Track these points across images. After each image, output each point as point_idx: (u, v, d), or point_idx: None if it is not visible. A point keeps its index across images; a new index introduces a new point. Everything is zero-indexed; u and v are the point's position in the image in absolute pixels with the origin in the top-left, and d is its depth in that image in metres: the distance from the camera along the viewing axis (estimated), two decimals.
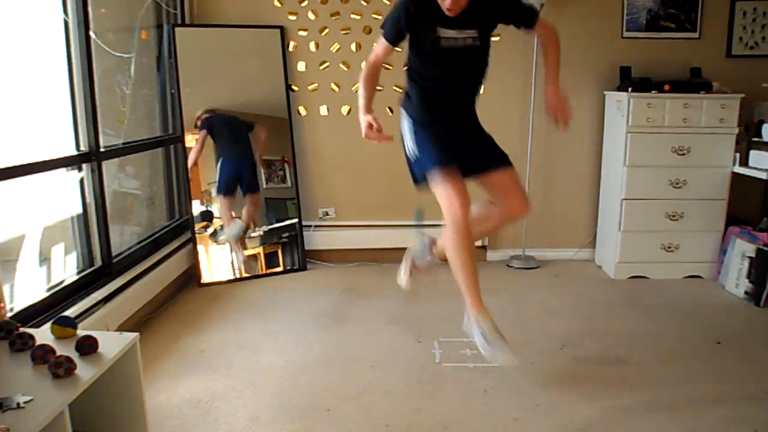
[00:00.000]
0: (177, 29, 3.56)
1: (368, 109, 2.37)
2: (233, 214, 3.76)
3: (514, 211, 2.48)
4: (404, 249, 4.04)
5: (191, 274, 3.63)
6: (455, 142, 2.40)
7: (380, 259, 4.03)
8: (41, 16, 2.58)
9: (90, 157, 2.70)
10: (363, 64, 2.46)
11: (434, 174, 2.29)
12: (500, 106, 3.87)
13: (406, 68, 2.48)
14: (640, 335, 2.88)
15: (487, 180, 2.45)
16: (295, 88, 3.90)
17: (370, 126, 2.31)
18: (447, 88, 2.41)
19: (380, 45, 2.41)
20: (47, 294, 2.38)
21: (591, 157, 3.93)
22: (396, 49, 2.43)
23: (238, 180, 3.79)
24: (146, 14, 3.44)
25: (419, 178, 2.41)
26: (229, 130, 3.77)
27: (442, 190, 2.27)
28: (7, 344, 1.68)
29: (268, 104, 3.83)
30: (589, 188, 4.00)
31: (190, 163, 3.64)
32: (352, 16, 3.82)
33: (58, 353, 1.57)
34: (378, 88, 3.82)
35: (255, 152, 3.82)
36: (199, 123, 3.65)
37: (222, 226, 3.74)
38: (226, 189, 3.74)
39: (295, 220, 3.93)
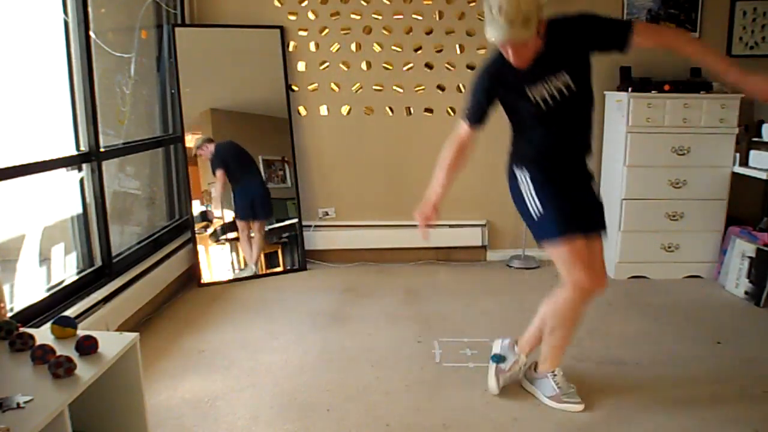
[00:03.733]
0: (177, 29, 3.56)
1: (439, 199, 2.20)
2: (250, 235, 3.81)
3: (593, 287, 2.12)
4: (404, 249, 4.07)
5: (191, 274, 3.63)
6: (579, 199, 2.18)
7: (380, 259, 4.03)
8: (41, 16, 2.58)
9: (90, 157, 2.70)
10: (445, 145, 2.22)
11: (558, 242, 2.09)
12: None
13: (514, 133, 2.24)
14: (641, 335, 2.88)
15: (587, 241, 2.15)
16: (295, 88, 3.90)
17: (427, 218, 2.19)
18: (560, 146, 2.15)
19: (461, 129, 2.17)
20: (47, 294, 2.38)
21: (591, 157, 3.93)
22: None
23: (254, 208, 3.83)
24: (146, 14, 3.44)
25: (536, 239, 2.23)
26: (238, 160, 3.79)
27: (567, 259, 2.08)
28: (7, 344, 1.68)
29: (268, 104, 3.83)
30: None
31: (215, 204, 3.69)
32: (352, 16, 3.82)
33: (58, 353, 1.57)
34: (378, 87, 3.89)
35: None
36: (205, 155, 3.68)
37: (222, 227, 3.74)
38: (243, 216, 3.79)
39: (295, 220, 3.93)
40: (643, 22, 2.06)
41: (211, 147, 3.71)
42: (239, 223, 3.78)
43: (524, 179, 2.18)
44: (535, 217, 2.18)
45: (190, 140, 3.64)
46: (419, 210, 2.23)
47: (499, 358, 2.37)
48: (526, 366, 2.37)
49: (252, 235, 3.80)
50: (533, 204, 2.17)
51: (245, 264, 3.76)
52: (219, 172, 3.70)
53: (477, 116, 2.14)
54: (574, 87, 2.03)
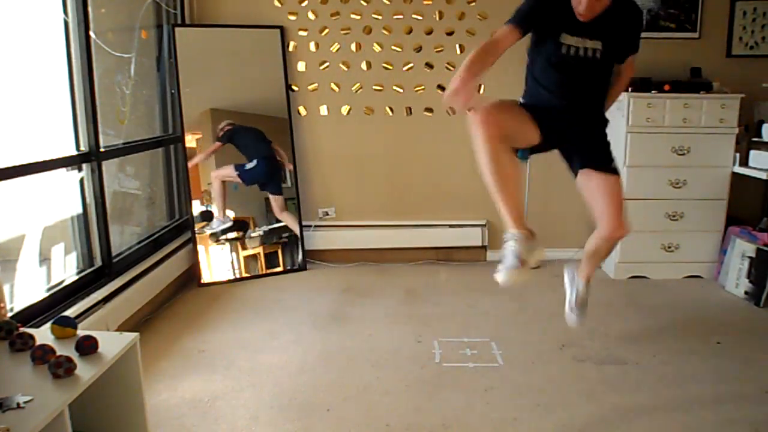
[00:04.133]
0: (177, 29, 3.56)
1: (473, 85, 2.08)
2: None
3: (610, 233, 2.32)
4: (404, 249, 4.07)
5: (191, 274, 3.63)
6: (558, 124, 2.29)
7: (380, 259, 4.03)
8: (41, 16, 2.58)
9: (90, 157, 2.70)
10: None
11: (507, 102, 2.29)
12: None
13: (527, 67, 2.38)
14: (641, 335, 2.88)
15: (588, 180, 2.33)
16: (295, 88, 3.90)
17: (461, 93, 1.98)
18: (565, 93, 2.28)
19: (503, 30, 2.14)
20: (47, 294, 2.38)
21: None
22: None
23: (266, 181, 3.85)
24: (146, 14, 3.44)
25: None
26: (253, 137, 3.81)
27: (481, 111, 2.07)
28: (7, 344, 1.68)
29: (268, 104, 3.83)
30: None
31: (191, 163, 3.66)
32: (352, 16, 3.82)
33: (58, 353, 1.57)
34: (378, 87, 3.89)
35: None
36: (220, 134, 3.72)
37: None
38: (250, 182, 3.82)
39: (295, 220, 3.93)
40: (632, 64, 2.42)
41: (229, 128, 3.76)
42: (219, 174, 3.76)
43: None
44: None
45: (190, 140, 3.64)
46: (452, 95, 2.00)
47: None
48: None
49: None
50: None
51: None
52: (217, 144, 3.73)
53: (525, 25, 2.14)
54: (599, 56, 2.19)
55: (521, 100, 2.43)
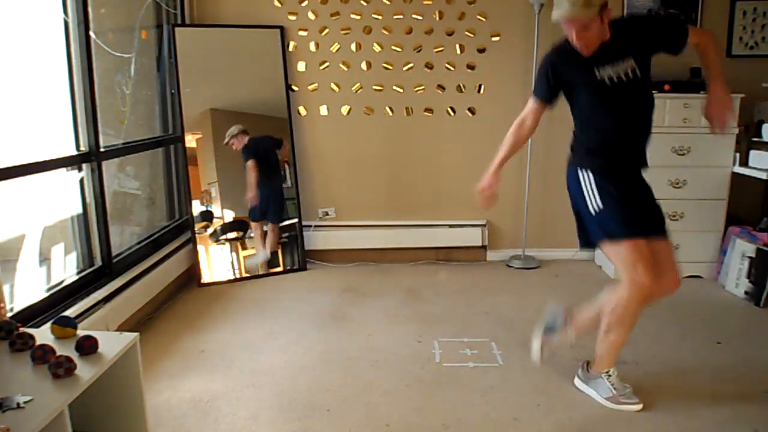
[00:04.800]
0: (177, 29, 3.56)
1: (498, 169, 2.28)
2: (262, 237, 3.86)
3: (667, 287, 2.17)
4: (404, 249, 4.07)
5: (191, 274, 3.63)
6: (642, 201, 2.19)
7: (380, 259, 4.03)
8: (41, 16, 2.58)
9: (90, 157, 2.70)
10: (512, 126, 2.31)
11: (621, 242, 2.11)
12: (500, 102, 3.87)
13: (573, 134, 2.29)
14: (640, 335, 2.88)
15: (651, 246, 2.15)
16: (295, 88, 3.90)
17: (490, 186, 2.27)
18: (623, 135, 2.17)
19: (529, 104, 2.26)
20: (47, 294, 2.38)
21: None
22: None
23: (266, 209, 3.85)
24: (146, 14, 3.44)
25: (593, 239, 2.22)
26: (264, 159, 3.84)
27: (628, 258, 2.10)
28: (7, 344, 1.68)
29: (268, 104, 3.83)
30: None
31: (250, 195, 3.77)
32: (352, 16, 3.82)
33: (58, 353, 1.57)
34: (378, 87, 3.89)
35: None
36: (236, 146, 3.75)
37: (222, 226, 3.74)
38: (255, 217, 3.82)
39: (295, 220, 3.93)
40: (695, 28, 2.19)
41: (245, 139, 3.75)
42: (252, 224, 3.82)
43: (586, 176, 2.19)
44: (593, 213, 2.18)
45: (190, 140, 3.65)
46: (482, 182, 2.29)
47: (550, 329, 2.41)
48: (580, 364, 2.41)
49: (265, 229, 3.85)
50: (593, 201, 2.17)
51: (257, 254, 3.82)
52: (251, 162, 3.76)
53: (544, 91, 2.21)
54: (639, 74, 2.09)
55: (582, 166, 2.21)
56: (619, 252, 2.13)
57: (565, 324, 2.38)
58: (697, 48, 2.16)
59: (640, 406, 2.20)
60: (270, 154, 3.85)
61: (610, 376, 2.27)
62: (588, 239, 2.26)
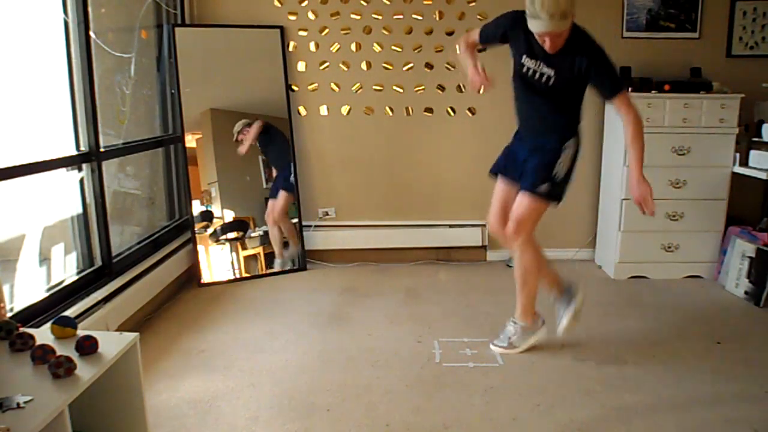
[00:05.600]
0: (177, 29, 3.56)
1: (475, 62, 2.53)
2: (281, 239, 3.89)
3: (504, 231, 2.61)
4: (404, 249, 4.07)
5: (191, 274, 3.63)
6: (518, 154, 2.60)
7: (380, 259, 4.03)
8: (41, 16, 2.58)
9: (90, 157, 2.70)
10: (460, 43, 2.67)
11: (495, 180, 2.67)
12: (500, 102, 3.87)
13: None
14: (641, 335, 2.88)
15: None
16: (295, 88, 3.90)
17: (481, 76, 2.47)
18: (525, 109, 2.57)
19: (474, 33, 2.61)
20: (47, 294, 2.38)
21: (591, 157, 3.93)
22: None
23: (278, 185, 3.91)
24: (146, 14, 3.44)
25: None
26: (279, 143, 3.87)
27: (493, 198, 2.67)
28: (7, 344, 1.68)
29: (268, 104, 3.83)
30: (589, 188, 4.00)
31: (242, 150, 3.77)
32: (352, 16, 3.82)
33: (58, 353, 1.57)
34: (378, 87, 3.89)
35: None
36: (246, 140, 3.78)
37: (222, 226, 3.74)
38: (273, 194, 3.89)
39: (295, 220, 3.93)
40: (627, 100, 2.38)
41: (254, 130, 3.78)
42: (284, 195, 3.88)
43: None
44: None
45: (190, 140, 3.65)
46: (471, 79, 2.52)
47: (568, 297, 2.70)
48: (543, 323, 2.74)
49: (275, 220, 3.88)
50: None
51: (281, 255, 3.87)
52: (259, 123, 3.78)
53: (488, 36, 2.56)
54: (552, 84, 2.38)
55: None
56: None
57: (577, 290, 2.69)
58: (624, 123, 2.39)
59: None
60: (279, 136, 3.88)
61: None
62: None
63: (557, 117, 2.50)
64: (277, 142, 3.86)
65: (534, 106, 2.51)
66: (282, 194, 3.87)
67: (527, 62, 2.40)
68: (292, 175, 3.89)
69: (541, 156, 2.51)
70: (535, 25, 2.19)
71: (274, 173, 3.90)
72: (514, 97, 2.59)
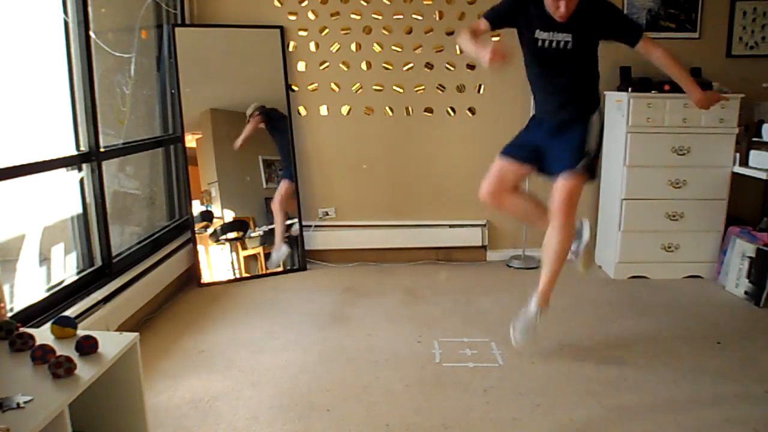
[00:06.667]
0: (177, 29, 3.56)
1: (480, 45, 2.34)
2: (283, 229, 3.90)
3: (546, 221, 2.59)
4: (404, 249, 4.07)
5: (191, 274, 3.63)
6: (535, 140, 2.59)
7: (380, 259, 4.03)
8: (41, 16, 2.58)
9: (90, 157, 2.70)
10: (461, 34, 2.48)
11: (498, 158, 2.62)
12: (500, 102, 3.87)
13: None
14: (640, 335, 2.88)
15: (553, 184, 2.53)
16: (295, 88, 3.90)
17: (494, 51, 2.21)
18: (544, 86, 2.56)
19: (479, 21, 2.52)
20: (47, 294, 2.38)
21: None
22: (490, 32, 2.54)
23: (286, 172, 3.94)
24: (146, 14, 3.44)
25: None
26: (277, 126, 3.87)
27: (491, 169, 2.62)
28: (7, 344, 1.68)
29: (268, 104, 3.82)
30: (589, 188, 3.99)
31: (237, 144, 3.76)
32: (352, 16, 3.82)
33: (58, 353, 1.57)
34: (378, 87, 3.89)
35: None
36: (256, 113, 3.79)
37: (222, 226, 3.74)
38: (287, 174, 3.91)
39: (295, 220, 3.93)
40: (651, 40, 2.51)
41: (248, 129, 3.79)
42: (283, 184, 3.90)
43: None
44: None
45: (190, 140, 3.65)
46: (488, 58, 2.21)
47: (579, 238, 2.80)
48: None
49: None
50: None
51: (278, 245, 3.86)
52: (258, 117, 3.78)
53: (494, 17, 2.49)
54: (570, 47, 2.40)
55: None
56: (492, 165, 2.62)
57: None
58: (653, 60, 2.50)
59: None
60: (282, 121, 3.89)
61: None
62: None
63: (578, 83, 2.51)
64: (283, 129, 3.88)
65: (553, 78, 2.51)
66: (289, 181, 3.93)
67: (541, 35, 2.41)
68: None
69: (570, 134, 2.51)
70: None
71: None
72: (530, 78, 2.59)
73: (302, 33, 3.84)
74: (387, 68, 3.90)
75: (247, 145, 3.80)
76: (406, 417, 2.17)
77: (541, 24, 2.40)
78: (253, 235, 3.81)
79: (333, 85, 3.90)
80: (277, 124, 3.85)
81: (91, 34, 2.68)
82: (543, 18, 2.38)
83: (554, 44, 2.40)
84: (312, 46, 3.85)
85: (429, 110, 3.95)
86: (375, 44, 3.86)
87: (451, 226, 4.01)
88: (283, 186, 3.88)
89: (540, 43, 2.42)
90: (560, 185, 2.47)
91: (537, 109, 2.66)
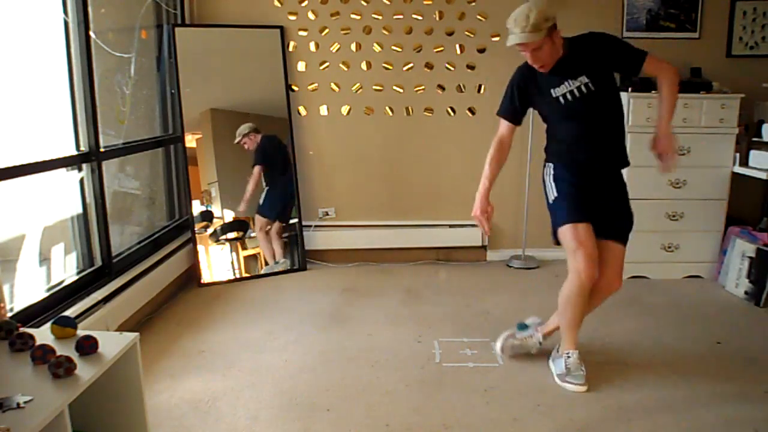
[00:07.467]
0: (177, 29, 3.56)
1: (487, 191, 2.41)
2: (267, 232, 3.87)
3: (605, 284, 2.44)
4: (404, 249, 4.07)
5: (191, 274, 3.63)
6: (593, 199, 2.37)
7: (380, 259, 4.03)
8: (41, 16, 2.58)
9: (90, 157, 2.70)
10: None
11: (565, 228, 2.32)
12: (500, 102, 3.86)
13: (548, 140, 2.50)
14: (641, 335, 2.88)
15: (602, 245, 2.37)
16: (295, 88, 3.90)
17: (484, 211, 2.39)
18: (583, 142, 2.37)
19: (500, 124, 2.48)
20: (47, 294, 2.38)
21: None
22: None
23: (284, 208, 3.90)
24: (146, 14, 3.44)
25: (552, 228, 2.43)
26: (278, 159, 3.87)
27: (569, 244, 2.31)
28: (7, 344, 1.68)
29: (268, 104, 3.83)
30: None
31: (244, 205, 3.75)
32: (352, 16, 3.82)
33: (58, 353, 1.57)
34: (378, 87, 3.89)
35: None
36: (249, 146, 3.74)
37: (222, 226, 3.74)
38: (272, 215, 3.86)
39: (295, 220, 3.93)
40: (656, 58, 2.34)
41: (258, 138, 3.75)
42: (261, 220, 3.80)
43: (549, 170, 2.45)
44: (551, 202, 2.42)
45: (190, 140, 3.65)
46: (475, 208, 2.42)
47: (521, 327, 2.63)
48: (541, 344, 2.60)
49: (268, 230, 3.85)
50: (551, 191, 2.42)
51: (273, 260, 3.83)
52: (258, 168, 3.75)
53: (508, 110, 2.45)
54: (593, 87, 2.28)
55: (551, 162, 2.46)
56: (565, 237, 2.33)
57: (536, 328, 2.62)
58: (655, 77, 2.37)
59: (582, 389, 2.33)
60: (284, 155, 3.87)
61: (569, 357, 2.41)
62: (554, 231, 2.43)
63: (610, 127, 2.38)
64: (280, 181, 3.87)
65: (587, 127, 2.34)
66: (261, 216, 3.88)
67: (558, 91, 2.30)
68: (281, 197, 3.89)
69: (621, 193, 2.44)
70: (510, 39, 2.20)
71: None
72: (562, 140, 2.41)
73: (302, 33, 3.84)
74: (387, 68, 3.90)
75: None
76: (406, 417, 2.17)
77: (551, 82, 2.31)
78: (253, 235, 3.81)
79: (333, 85, 3.90)
80: (275, 173, 3.84)
81: (91, 34, 2.68)
82: (549, 76, 2.31)
83: (577, 93, 2.28)
84: (312, 46, 3.85)
85: (429, 110, 3.95)
86: (375, 44, 3.86)
87: (451, 226, 4.01)
88: (258, 221, 3.83)
89: (563, 100, 2.30)
90: (616, 253, 2.39)
91: (567, 158, 2.41)
